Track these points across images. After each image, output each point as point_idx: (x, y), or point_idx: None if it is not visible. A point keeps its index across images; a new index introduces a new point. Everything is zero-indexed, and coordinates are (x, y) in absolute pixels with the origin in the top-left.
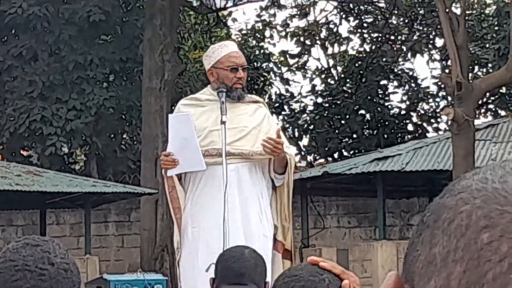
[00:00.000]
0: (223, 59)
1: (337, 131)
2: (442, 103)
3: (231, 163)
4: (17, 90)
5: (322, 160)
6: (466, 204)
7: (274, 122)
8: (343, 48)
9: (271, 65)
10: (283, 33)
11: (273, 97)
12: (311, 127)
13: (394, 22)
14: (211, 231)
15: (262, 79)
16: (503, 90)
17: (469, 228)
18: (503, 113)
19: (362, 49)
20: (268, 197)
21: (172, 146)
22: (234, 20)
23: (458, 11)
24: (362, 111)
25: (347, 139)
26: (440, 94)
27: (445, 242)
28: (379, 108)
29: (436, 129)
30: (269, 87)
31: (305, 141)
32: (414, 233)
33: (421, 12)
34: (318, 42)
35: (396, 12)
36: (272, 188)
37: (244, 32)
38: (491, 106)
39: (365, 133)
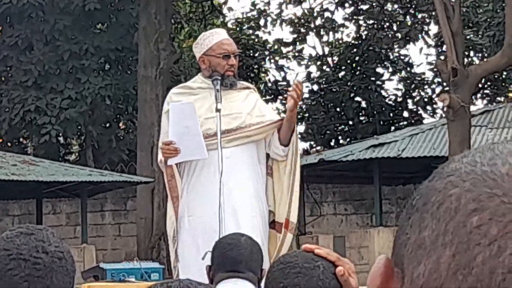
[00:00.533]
0: (214, 46)
1: (333, 118)
2: (438, 90)
3: (226, 147)
4: (12, 80)
5: (318, 147)
6: (455, 187)
7: (267, 106)
8: (338, 35)
9: (266, 52)
10: (278, 21)
11: (269, 84)
12: (307, 114)
13: (389, 8)
14: (207, 219)
15: (257, 66)
16: (499, 75)
17: (458, 212)
18: (499, 98)
19: (357, 36)
20: (264, 181)
21: (173, 134)
22: (230, 9)
23: None
24: (358, 98)
25: (343, 126)
26: (435, 81)
27: (434, 226)
28: (375, 95)
29: (432, 115)
30: (265, 75)
31: (301, 128)
32: (404, 216)
33: None
34: (313, 29)
35: None
36: (267, 174)
37: (239, 20)
38: (487, 91)
39: (361, 120)
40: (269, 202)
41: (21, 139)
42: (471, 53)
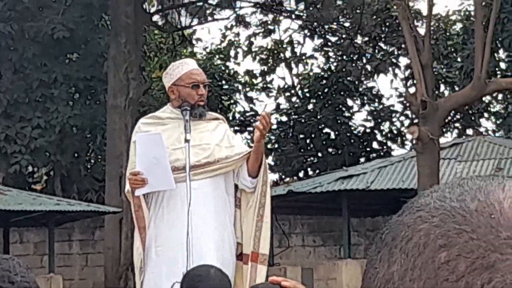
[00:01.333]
0: (184, 76)
1: (302, 149)
2: (407, 122)
3: (194, 179)
4: None
5: (287, 179)
6: (424, 222)
7: (236, 137)
8: (307, 67)
9: (236, 84)
10: (248, 52)
11: (237, 115)
12: (276, 145)
13: (359, 41)
14: (175, 250)
15: (227, 97)
16: (469, 108)
17: (427, 247)
18: (469, 131)
19: (326, 67)
20: (232, 212)
21: (141, 165)
22: (198, 40)
23: (422, 31)
24: (327, 130)
25: (311, 158)
26: (404, 113)
27: (403, 261)
28: (343, 127)
29: (401, 147)
30: (234, 106)
31: (270, 159)
32: (373, 250)
33: (385, 31)
34: (283, 61)
35: (360, 31)
36: (235, 206)
37: (209, 50)
38: (456, 124)
39: (330, 151)
40: (237, 234)
41: None
42: (442, 86)
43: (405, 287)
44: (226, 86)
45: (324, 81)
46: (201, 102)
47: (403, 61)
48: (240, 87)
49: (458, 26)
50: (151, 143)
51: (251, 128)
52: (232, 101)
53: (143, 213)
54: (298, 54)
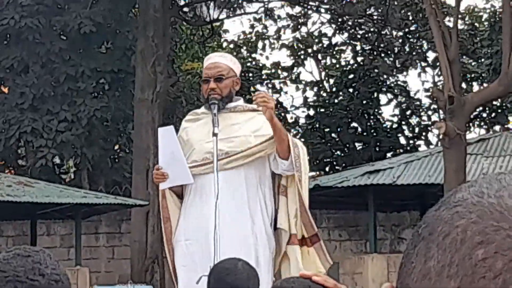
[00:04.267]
0: (203, 72)
1: (329, 143)
2: (434, 116)
3: (223, 170)
4: (7, 102)
5: (313, 173)
6: (462, 218)
7: None
8: (335, 60)
9: (263, 76)
10: (276, 45)
11: None
12: (303, 139)
13: (388, 34)
14: (202, 243)
15: (254, 90)
16: (496, 103)
17: (464, 244)
18: (496, 127)
19: (355, 61)
20: (268, 202)
21: (162, 159)
22: (226, 31)
23: (451, 24)
24: (354, 124)
25: (339, 152)
26: (432, 107)
27: (440, 256)
28: (371, 121)
29: (428, 143)
30: None
31: None
32: (409, 244)
33: (415, 25)
34: (311, 54)
35: (388, 24)
36: (280, 193)
37: (236, 43)
38: (483, 119)
39: (357, 146)
40: (281, 221)
41: (17, 161)
42: (468, 81)
43: (442, 283)
44: (252, 78)
45: (352, 75)
46: (216, 95)
47: (432, 55)
48: (267, 79)
49: (485, 21)
50: (166, 137)
51: None
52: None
53: (166, 203)
54: (327, 47)
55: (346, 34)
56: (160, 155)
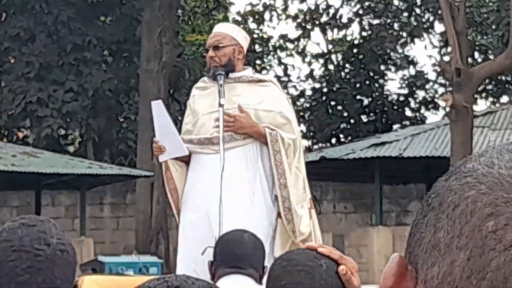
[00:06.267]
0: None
1: (335, 116)
2: (441, 89)
3: (226, 146)
4: (13, 71)
5: (319, 145)
6: (472, 189)
7: (284, 102)
8: (342, 33)
9: (270, 48)
10: (283, 16)
11: None
12: (309, 112)
13: (394, 6)
14: (207, 215)
15: (260, 62)
16: (503, 76)
17: (474, 215)
18: (503, 99)
19: (361, 35)
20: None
21: (157, 133)
22: (231, 3)
23: None
24: (360, 97)
25: (344, 125)
26: (438, 80)
27: (450, 227)
28: (377, 94)
29: (434, 115)
30: (267, 70)
31: (302, 126)
32: (419, 213)
33: None
34: (318, 26)
35: None
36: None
37: (243, 14)
38: (490, 92)
39: (363, 118)
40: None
41: (22, 130)
42: (476, 53)
43: (452, 255)
44: (259, 50)
45: (359, 48)
46: (215, 64)
47: (439, 27)
48: (273, 51)
49: None
50: (157, 111)
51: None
52: (266, 66)
53: (171, 175)
54: (334, 19)
55: (353, 4)
56: (155, 129)
